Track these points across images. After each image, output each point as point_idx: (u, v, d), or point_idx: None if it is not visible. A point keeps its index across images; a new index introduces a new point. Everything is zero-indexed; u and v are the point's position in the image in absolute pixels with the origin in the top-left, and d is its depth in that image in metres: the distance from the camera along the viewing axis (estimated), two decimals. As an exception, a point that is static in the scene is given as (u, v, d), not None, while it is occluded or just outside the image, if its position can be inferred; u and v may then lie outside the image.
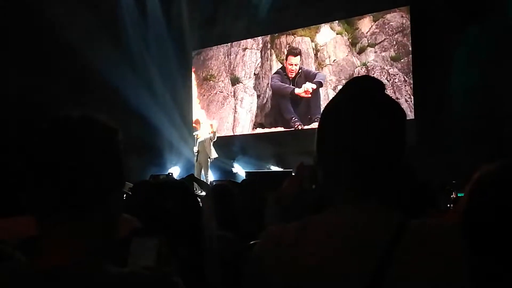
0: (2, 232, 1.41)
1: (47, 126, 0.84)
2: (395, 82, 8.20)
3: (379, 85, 0.94)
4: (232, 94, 10.29)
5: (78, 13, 8.04)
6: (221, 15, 9.62)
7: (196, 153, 8.76)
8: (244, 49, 10.16)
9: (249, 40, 10.03)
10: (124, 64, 8.88)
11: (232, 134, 10.16)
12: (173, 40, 10.09)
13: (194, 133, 8.91)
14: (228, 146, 9.46)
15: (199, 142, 8.70)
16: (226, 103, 10.38)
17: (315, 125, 8.72)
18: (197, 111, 10.69)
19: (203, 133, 8.71)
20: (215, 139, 8.69)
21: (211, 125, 8.87)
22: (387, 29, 8.36)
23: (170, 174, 8.56)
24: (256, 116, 9.93)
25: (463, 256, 0.81)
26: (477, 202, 1.07)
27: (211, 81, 10.60)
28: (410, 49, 8.08)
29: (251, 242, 1.72)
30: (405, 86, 8.13)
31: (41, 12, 7.44)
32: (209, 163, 8.71)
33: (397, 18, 8.29)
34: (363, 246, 0.83)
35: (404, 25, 8.19)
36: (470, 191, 1.10)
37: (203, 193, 5.02)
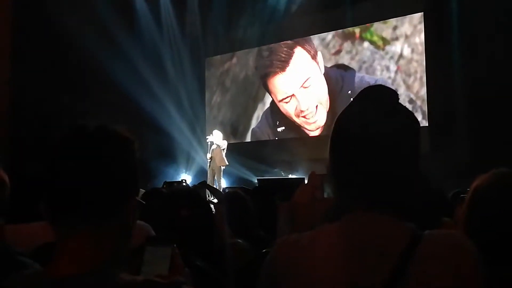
0: (19, 238, 1.43)
1: (64, 136, 0.86)
2: (410, 88, 8.15)
3: (392, 94, 0.93)
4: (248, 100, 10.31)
5: (93, 21, 8.16)
6: (235, 22, 9.68)
7: (209, 160, 8.77)
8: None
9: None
10: (138, 71, 8.98)
11: (247, 140, 10.19)
12: (187, 47, 10.18)
13: (207, 140, 8.93)
14: (242, 152, 9.46)
15: (212, 149, 8.72)
16: (242, 110, 10.41)
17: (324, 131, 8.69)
18: (211, 119, 10.75)
19: (216, 140, 8.72)
20: (225, 147, 8.69)
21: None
22: (402, 34, 8.31)
23: (184, 181, 8.57)
24: (271, 123, 9.94)
25: (478, 267, 0.80)
26: (475, 211, 1.09)
27: (228, 88, 10.66)
28: (424, 54, 8.03)
29: (264, 250, 1.72)
30: (419, 91, 8.06)
31: (57, 21, 7.57)
32: (221, 170, 8.71)
33: (413, 22, 8.24)
34: (376, 256, 0.82)
35: (418, 30, 8.14)
36: (468, 200, 1.11)
37: (216, 200, 5.02)
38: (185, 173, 9.92)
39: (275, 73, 9.72)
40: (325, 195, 1.06)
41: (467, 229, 1.08)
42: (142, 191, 3.55)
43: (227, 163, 8.65)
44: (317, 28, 9.14)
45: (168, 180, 7.98)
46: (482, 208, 1.08)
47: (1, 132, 7.55)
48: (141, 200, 0.92)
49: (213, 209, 1.86)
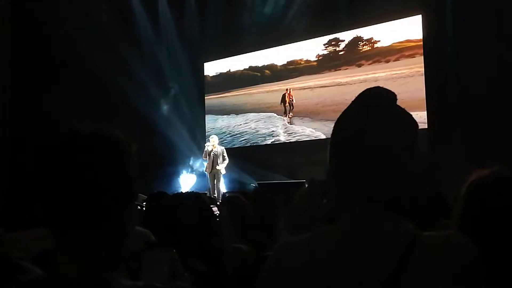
0: (19, 244, 1.43)
1: (60, 141, 0.85)
2: (409, 91, 8.18)
3: (391, 96, 0.93)
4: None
5: (90, 24, 8.18)
6: (233, 27, 9.70)
7: (208, 165, 8.72)
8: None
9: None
10: (136, 75, 8.99)
11: (246, 145, 10.20)
12: (186, 52, 10.19)
13: (206, 144, 8.89)
14: (242, 156, 9.45)
15: (211, 154, 8.65)
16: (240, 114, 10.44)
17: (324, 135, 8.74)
18: (210, 122, 10.78)
19: (215, 144, 8.68)
20: (225, 154, 8.64)
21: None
22: (403, 34, 8.38)
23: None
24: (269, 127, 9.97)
25: (476, 267, 0.81)
26: (471, 207, 1.09)
27: (226, 92, 10.69)
28: (423, 56, 8.07)
29: (264, 254, 1.71)
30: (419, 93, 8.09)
31: (58, 25, 7.58)
32: (221, 175, 8.68)
33: (412, 22, 8.29)
34: (376, 256, 0.82)
35: (417, 31, 8.19)
36: (463, 196, 1.11)
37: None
38: (186, 177, 9.89)
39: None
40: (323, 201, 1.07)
41: (460, 222, 1.09)
42: (143, 196, 3.54)
43: (224, 172, 8.59)
44: (315, 31, 9.16)
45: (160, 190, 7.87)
46: (478, 201, 1.08)
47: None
48: (140, 205, 0.92)
49: (218, 212, 1.86)
